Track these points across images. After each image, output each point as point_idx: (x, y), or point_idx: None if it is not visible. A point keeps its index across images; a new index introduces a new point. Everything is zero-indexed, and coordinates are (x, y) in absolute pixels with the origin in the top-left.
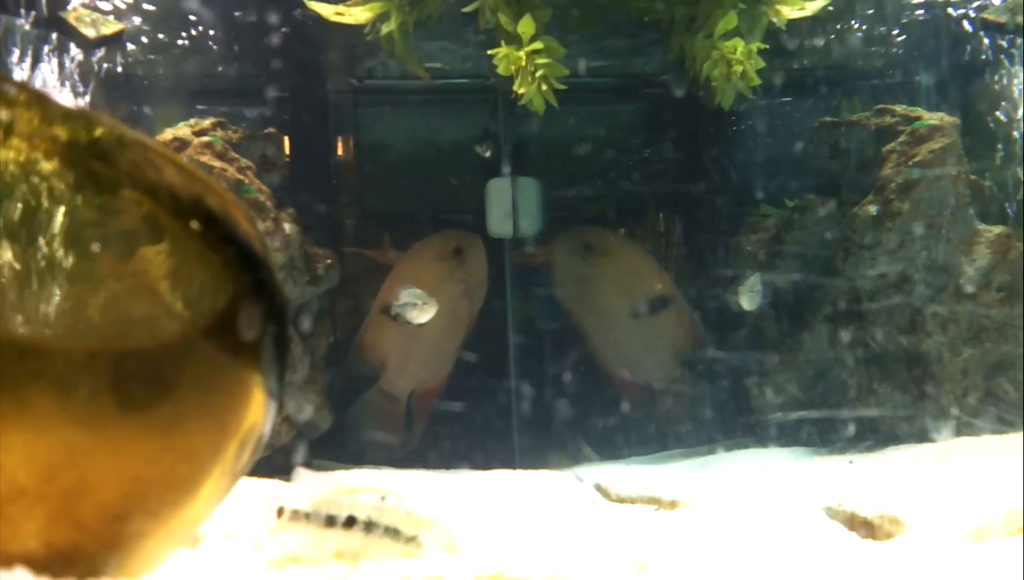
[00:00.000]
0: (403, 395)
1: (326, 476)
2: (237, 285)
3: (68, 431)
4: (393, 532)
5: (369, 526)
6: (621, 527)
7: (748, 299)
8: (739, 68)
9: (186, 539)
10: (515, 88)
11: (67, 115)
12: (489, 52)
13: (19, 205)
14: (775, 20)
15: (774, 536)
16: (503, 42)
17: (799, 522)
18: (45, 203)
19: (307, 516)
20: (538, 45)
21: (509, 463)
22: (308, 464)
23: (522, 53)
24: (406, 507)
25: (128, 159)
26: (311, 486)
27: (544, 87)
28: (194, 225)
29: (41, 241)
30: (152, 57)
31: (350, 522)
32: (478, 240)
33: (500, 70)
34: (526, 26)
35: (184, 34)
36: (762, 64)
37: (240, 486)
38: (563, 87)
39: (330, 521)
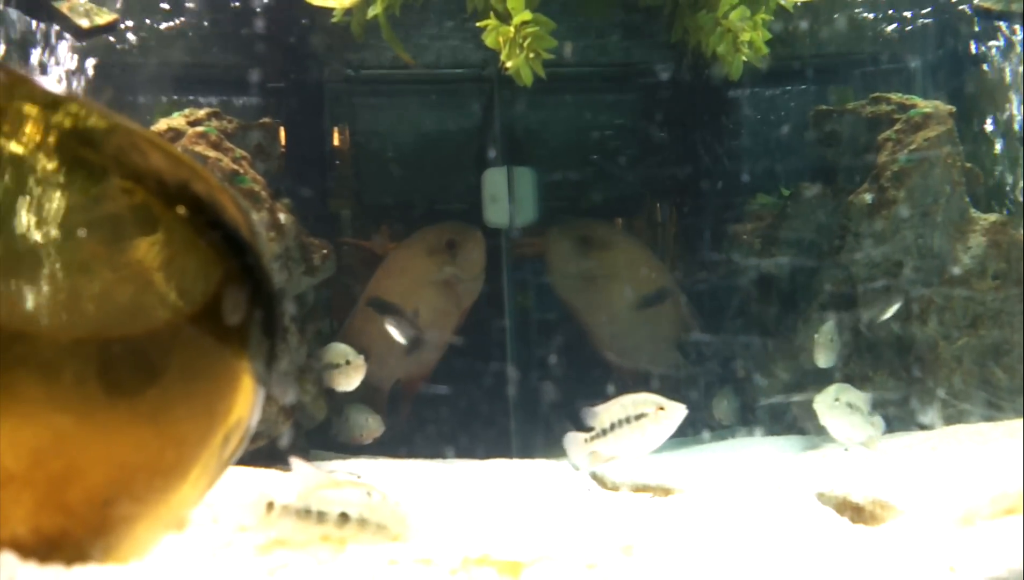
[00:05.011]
0: (385, 386)
1: (312, 468)
2: (223, 270)
3: (56, 417)
4: (383, 529)
5: (362, 523)
6: (614, 514)
7: (824, 354)
8: (746, 36)
9: (174, 524)
10: (502, 59)
11: (53, 100)
12: (478, 24)
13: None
14: (783, 1)
15: (764, 521)
16: (492, 15)
17: (790, 507)
18: (32, 189)
19: (297, 512)
20: (527, 16)
21: (505, 452)
22: (304, 454)
23: (510, 28)
24: (390, 504)
25: (114, 144)
26: (299, 479)
27: (531, 55)
28: (181, 210)
29: (28, 228)
30: (146, 46)
31: (343, 519)
32: (476, 234)
33: (488, 42)
34: (516, 2)
35: (178, 22)
36: (768, 35)
37: (231, 473)
38: (551, 56)
39: (321, 517)
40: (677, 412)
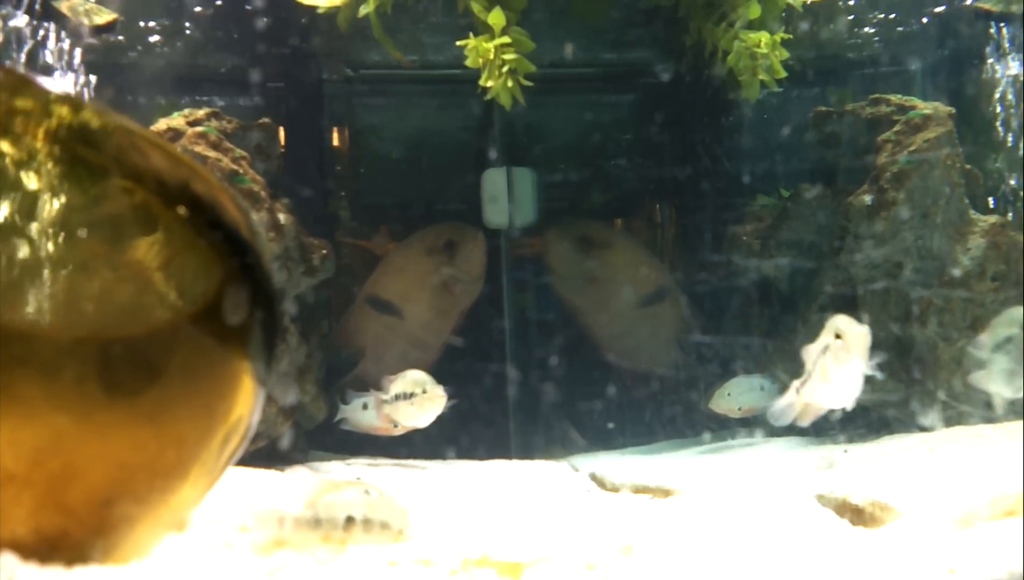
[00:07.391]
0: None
1: (308, 473)
2: (224, 270)
3: (56, 417)
4: (386, 526)
5: (366, 523)
6: (614, 515)
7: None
8: (765, 62)
9: (175, 524)
10: (481, 82)
11: (53, 99)
12: (458, 43)
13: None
14: (791, 1)
15: (763, 522)
16: (472, 34)
17: (790, 509)
18: (32, 188)
19: (308, 522)
20: (506, 40)
21: (505, 453)
22: (304, 454)
23: (490, 46)
24: (387, 499)
25: (114, 144)
26: (300, 487)
27: (511, 82)
28: (181, 210)
29: (28, 227)
30: (147, 47)
31: (349, 522)
32: (476, 235)
33: (469, 63)
34: (496, 18)
35: (178, 23)
36: (786, 55)
37: (231, 474)
38: (530, 84)
39: (331, 524)
40: (855, 330)
